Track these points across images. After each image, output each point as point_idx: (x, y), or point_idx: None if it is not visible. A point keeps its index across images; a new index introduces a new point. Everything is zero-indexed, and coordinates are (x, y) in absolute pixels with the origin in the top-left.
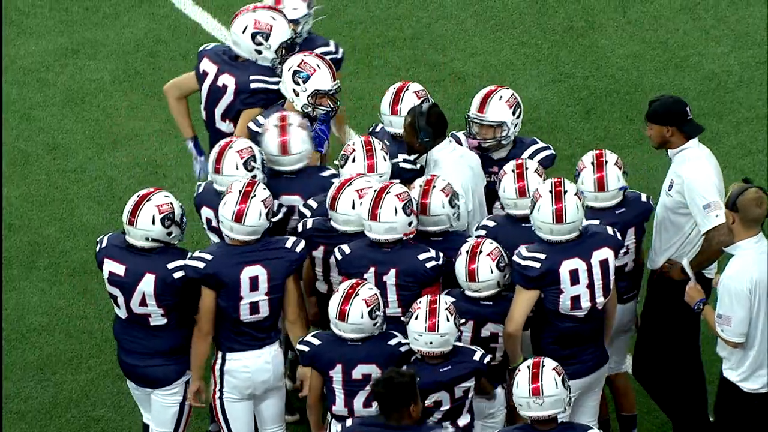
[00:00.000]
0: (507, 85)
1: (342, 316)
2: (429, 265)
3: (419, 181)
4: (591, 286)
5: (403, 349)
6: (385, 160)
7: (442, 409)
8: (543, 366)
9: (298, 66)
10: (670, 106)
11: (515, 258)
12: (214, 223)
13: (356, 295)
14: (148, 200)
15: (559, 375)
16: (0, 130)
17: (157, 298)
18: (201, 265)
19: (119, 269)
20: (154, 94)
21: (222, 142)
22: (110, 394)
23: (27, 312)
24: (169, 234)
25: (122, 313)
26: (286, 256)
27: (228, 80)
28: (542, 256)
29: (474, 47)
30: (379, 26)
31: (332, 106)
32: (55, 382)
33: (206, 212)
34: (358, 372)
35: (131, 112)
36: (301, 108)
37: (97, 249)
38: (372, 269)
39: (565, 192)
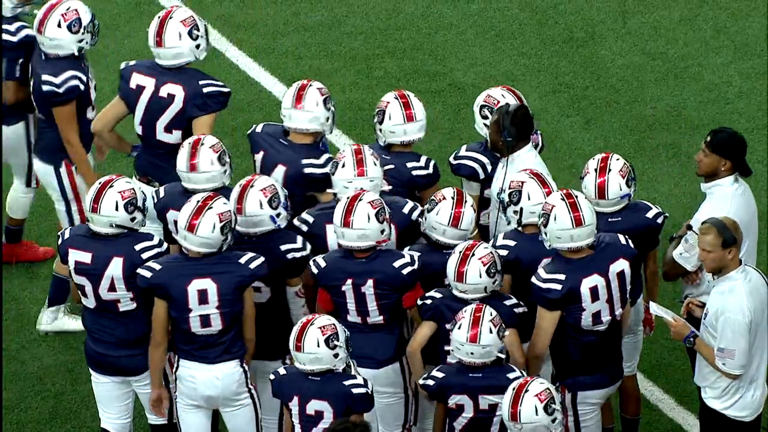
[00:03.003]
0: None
1: (298, 346)
2: (405, 271)
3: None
4: (610, 300)
5: (356, 391)
6: (375, 165)
7: (464, 415)
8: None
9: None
10: (738, 141)
11: (534, 280)
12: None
13: (311, 324)
14: (111, 186)
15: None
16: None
17: (126, 281)
18: (148, 274)
19: (85, 257)
20: None
21: (193, 139)
22: None
23: (27, 322)
24: (133, 219)
25: (90, 302)
26: (237, 271)
27: (174, 89)
28: (562, 277)
29: (474, 58)
30: (379, 36)
31: None
32: (55, 392)
33: (173, 215)
34: (311, 407)
35: (131, 123)
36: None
37: (59, 242)
38: (349, 281)
39: (577, 197)
